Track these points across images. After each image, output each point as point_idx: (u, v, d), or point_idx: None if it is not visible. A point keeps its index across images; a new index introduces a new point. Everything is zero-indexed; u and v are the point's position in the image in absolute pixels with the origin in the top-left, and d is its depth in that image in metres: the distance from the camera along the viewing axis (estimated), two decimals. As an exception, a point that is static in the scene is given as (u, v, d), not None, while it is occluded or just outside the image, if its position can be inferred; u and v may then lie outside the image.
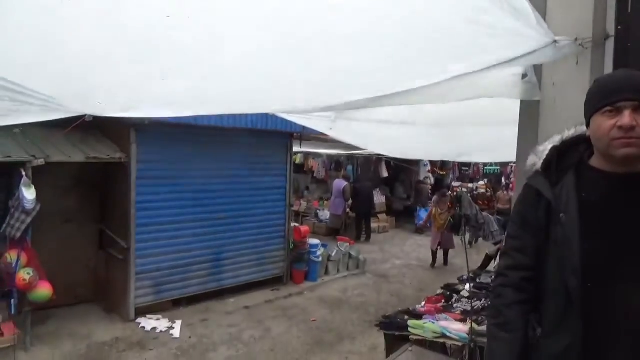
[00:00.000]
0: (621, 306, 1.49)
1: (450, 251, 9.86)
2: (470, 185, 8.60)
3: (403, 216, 13.55)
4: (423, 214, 11.71)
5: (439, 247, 9.65)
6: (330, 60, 3.00)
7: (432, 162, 13.30)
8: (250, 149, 7.13)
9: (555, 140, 1.77)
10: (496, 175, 11.72)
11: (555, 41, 2.78)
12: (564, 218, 1.53)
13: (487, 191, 8.71)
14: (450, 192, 8.94)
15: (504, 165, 12.15)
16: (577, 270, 1.49)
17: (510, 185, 11.34)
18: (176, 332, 5.79)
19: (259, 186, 7.34)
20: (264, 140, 7.24)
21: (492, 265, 7.23)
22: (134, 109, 3.26)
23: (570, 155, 1.69)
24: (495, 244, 7.13)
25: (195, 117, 5.90)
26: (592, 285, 1.49)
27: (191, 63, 2.76)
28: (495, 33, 2.74)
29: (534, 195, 1.65)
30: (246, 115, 6.44)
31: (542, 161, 1.71)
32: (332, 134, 4.88)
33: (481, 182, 9.37)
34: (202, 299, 6.80)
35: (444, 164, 13.68)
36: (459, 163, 14.03)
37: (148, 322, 5.89)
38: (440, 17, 2.46)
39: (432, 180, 13.51)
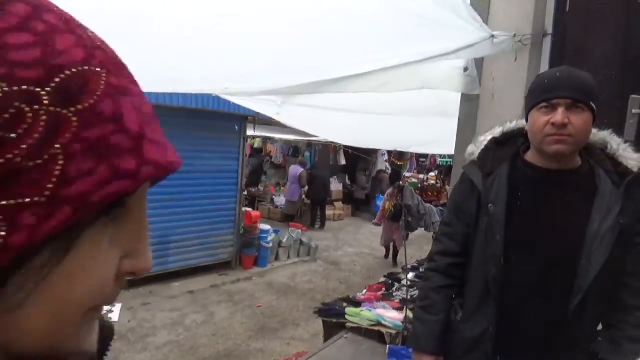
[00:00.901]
0: (534, 298, 1.54)
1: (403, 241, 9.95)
2: (420, 176, 8.67)
3: (363, 204, 13.65)
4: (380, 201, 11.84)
5: (392, 243, 9.24)
6: (270, 43, 2.94)
7: (390, 152, 13.43)
8: (200, 130, 6.93)
9: (496, 131, 1.79)
10: (447, 167, 11.93)
11: (492, 36, 2.82)
12: (492, 209, 1.56)
13: (436, 182, 8.79)
14: (399, 183, 9.01)
15: (457, 157, 12.45)
16: (497, 259, 1.53)
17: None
18: (114, 316, 5.54)
19: (208, 169, 7.17)
20: (215, 121, 7.06)
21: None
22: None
23: (508, 147, 1.70)
24: (425, 227, 7.30)
25: (148, 95, 5.70)
26: (509, 276, 1.54)
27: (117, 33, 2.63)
28: (434, 24, 2.75)
29: (468, 184, 1.68)
30: (196, 95, 6.26)
31: (479, 151, 1.73)
32: (280, 118, 4.81)
33: (431, 173, 9.48)
34: (145, 282, 6.62)
35: (401, 154, 13.84)
36: (416, 154, 14.22)
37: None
38: (381, 6, 2.44)
39: (390, 169, 13.65)
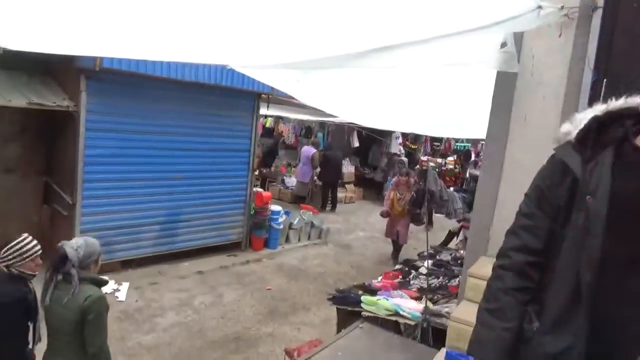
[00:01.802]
0: (630, 312, 1.30)
1: (413, 227, 9.54)
2: (439, 160, 8.38)
3: (378, 188, 13.37)
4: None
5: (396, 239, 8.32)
6: (292, 10, 2.69)
7: (404, 135, 13.11)
8: (213, 107, 6.71)
9: (599, 109, 1.46)
10: (466, 152, 11.65)
11: (539, 6, 2.54)
12: (591, 202, 1.30)
13: (455, 167, 8.49)
14: (418, 167, 8.62)
15: (475, 142, 12.08)
16: (594, 265, 1.28)
17: (479, 164, 11.30)
18: (122, 295, 5.51)
19: (221, 147, 6.97)
20: (228, 98, 6.83)
21: (455, 242, 7.17)
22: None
23: (614, 129, 1.40)
24: (459, 221, 7.05)
25: (154, 67, 5.49)
26: (607, 285, 1.28)
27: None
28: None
29: (559, 169, 1.43)
30: (209, 69, 6.01)
31: (577, 131, 1.44)
32: (297, 94, 4.57)
33: (450, 158, 9.18)
34: (154, 261, 6.51)
35: (416, 138, 13.53)
36: (430, 138, 13.90)
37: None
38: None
39: (403, 153, 13.35)
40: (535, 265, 1.45)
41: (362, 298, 3.91)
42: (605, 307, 1.28)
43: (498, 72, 3.13)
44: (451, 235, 7.88)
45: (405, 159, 9.12)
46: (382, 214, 8.43)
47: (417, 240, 9.45)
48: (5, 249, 2.60)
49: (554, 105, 2.93)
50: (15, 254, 2.61)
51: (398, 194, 7.97)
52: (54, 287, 2.58)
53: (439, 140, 14.23)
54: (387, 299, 3.86)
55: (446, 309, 3.62)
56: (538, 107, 2.98)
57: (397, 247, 8.37)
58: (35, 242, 2.70)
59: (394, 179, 8.47)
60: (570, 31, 2.86)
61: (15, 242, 2.64)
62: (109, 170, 5.79)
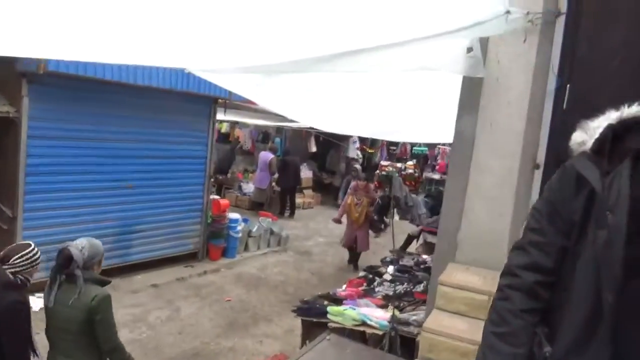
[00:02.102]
0: None
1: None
2: (398, 165, 8.44)
3: (336, 193, 13.31)
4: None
5: (354, 246, 8.00)
6: (254, 12, 2.56)
7: (362, 140, 13.16)
8: (167, 112, 6.42)
9: (612, 117, 1.35)
10: (424, 156, 11.83)
11: (508, 12, 2.53)
12: (611, 218, 1.20)
13: (415, 172, 8.60)
14: (377, 172, 8.58)
15: (432, 146, 12.30)
16: (616, 284, 1.18)
17: (437, 167, 11.48)
18: (69, 313, 5.13)
19: (175, 154, 6.69)
20: (184, 103, 6.56)
21: (415, 247, 7.19)
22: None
23: (629, 138, 1.29)
24: (411, 219, 7.07)
25: (104, 71, 5.17)
26: (629, 307, 1.19)
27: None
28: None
29: (573, 182, 1.33)
30: (164, 73, 5.74)
31: (592, 140, 1.33)
32: (257, 99, 4.43)
33: (410, 163, 9.29)
34: (104, 275, 6.11)
35: (373, 143, 13.61)
36: (387, 142, 14.03)
37: (36, 302, 5.15)
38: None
39: (361, 158, 13.40)
40: (546, 284, 1.37)
41: (328, 309, 3.79)
42: (626, 330, 1.20)
43: (464, 78, 3.11)
44: (410, 238, 7.90)
45: (358, 167, 9.09)
46: (334, 221, 8.32)
47: (375, 244, 9.48)
48: (17, 256, 2.60)
49: (519, 111, 2.93)
50: (25, 262, 2.62)
51: (355, 199, 7.69)
52: (57, 288, 2.62)
53: (395, 144, 14.40)
54: (354, 309, 3.77)
55: (414, 317, 3.56)
56: (504, 112, 2.98)
57: (354, 256, 8.15)
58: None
59: (352, 184, 8.24)
60: (534, 37, 2.88)
61: (26, 250, 2.65)
62: (53, 181, 5.40)
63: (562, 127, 2.85)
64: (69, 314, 2.57)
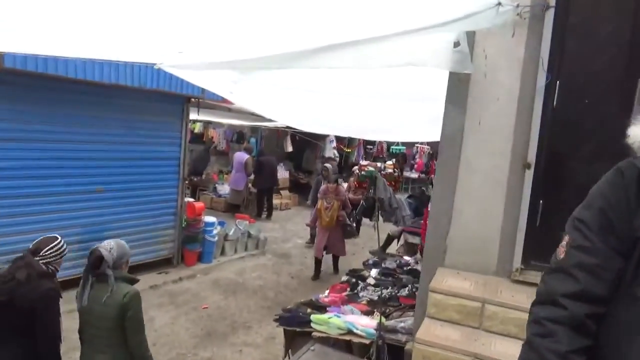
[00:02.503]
0: None
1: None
2: (378, 165, 8.30)
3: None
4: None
5: (324, 253, 7.50)
6: (234, 7, 2.38)
7: (339, 139, 13.01)
8: (137, 111, 6.13)
9: None
10: (402, 154, 11.74)
11: (499, 3, 2.40)
12: None
13: (394, 171, 8.47)
14: (357, 171, 8.40)
15: (409, 145, 12.26)
16: None
17: (415, 166, 11.44)
18: (34, 327, 4.81)
19: (146, 156, 6.38)
20: (154, 102, 6.27)
21: (395, 248, 7.08)
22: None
23: None
24: (396, 221, 6.95)
25: (67, 67, 4.87)
26: None
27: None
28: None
29: (634, 187, 1.11)
30: (132, 70, 5.46)
31: None
32: (233, 98, 4.22)
33: (389, 162, 9.16)
34: (72, 285, 5.78)
35: (350, 141, 13.50)
36: (364, 141, 13.93)
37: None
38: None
39: (337, 157, 13.25)
40: (597, 316, 1.15)
41: (312, 317, 3.62)
42: None
43: (450, 74, 2.98)
44: (390, 239, 7.79)
45: (328, 165, 8.79)
46: (308, 226, 8.09)
47: (354, 244, 9.34)
48: (47, 248, 2.87)
49: (508, 108, 2.82)
50: (55, 253, 2.91)
51: (325, 203, 7.19)
52: (90, 288, 2.80)
53: (372, 143, 14.33)
54: (339, 317, 3.60)
55: (401, 324, 3.42)
56: (492, 109, 2.86)
57: (335, 260, 7.75)
58: None
59: (322, 187, 7.67)
60: (523, 31, 2.77)
61: (54, 242, 2.92)
62: (15, 186, 5.05)
63: (552, 125, 2.76)
64: (102, 311, 2.73)
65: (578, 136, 2.72)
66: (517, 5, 2.59)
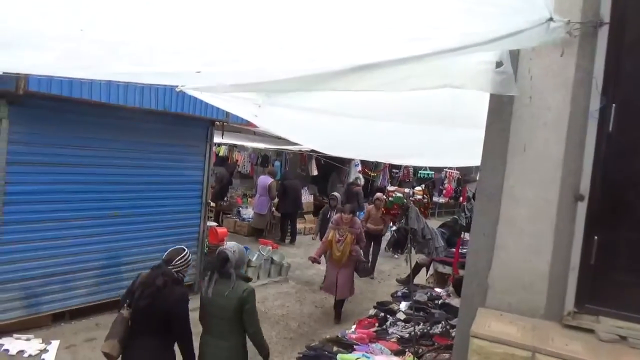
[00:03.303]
0: None
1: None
2: (406, 190, 8.01)
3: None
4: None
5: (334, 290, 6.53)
6: (256, 22, 2.21)
7: (364, 162, 12.80)
8: (161, 135, 6.07)
9: None
10: (432, 180, 11.42)
11: (550, 19, 2.17)
12: None
13: (423, 197, 8.16)
14: (385, 197, 8.12)
15: (438, 170, 11.93)
16: None
17: (444, 192, 11.09)
18: (50, 356, 4.67)
19: (169, 180, 6.30)
20: (178, 126, 6.21)
21: (425, 277, 6.75)
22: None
23: None
24: (429, 253, 6.62)
25: (91, 91, 4.83)
26: None
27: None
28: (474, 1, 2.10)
29: None
30: (157, 94, 5.40)
31: None
32: (257, 121, 4.08)
33: (418, 188, 8.85)
34: (91, 312, 5.67)
35: (376, 165, 13.26)
36: (389, 165, 13.68)
37: (13, 344, 4.70)
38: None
39: (362, 181, 13.01)
40: None
41: (338, 357, 3.37)
42: None
43: (491, 96, 2.74)
44: (418, 267, 7.46)
45: (337, 194, 8.55)
46: (311, 260, 6.90)
47: (380, 272, 9.00)
48: (178, 258, 3.35)
49: (557, 134, 2.56)
50: (183, 262, 3.39)
51: (337, 235, 6.38)
52: (214, 283, 3.33)
53: (398, 167, 14.06)
54: (368, 357, 3.33)
55: (437, 368, 3.12)
56: (539, 135, 2.61)
57: (338, 303, 6.66)
58: None
59: (335, 216, 6.94)
60: (572, 50, 2.53)
61: (183, 254, 3.42)
62: (35, 210, 5.00)
63: (608, 152, 2.49)
64: (224, 303, 3.27)
65: (637, 164, 2.44)
66: (568, 22, 2.35)
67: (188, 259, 3.44)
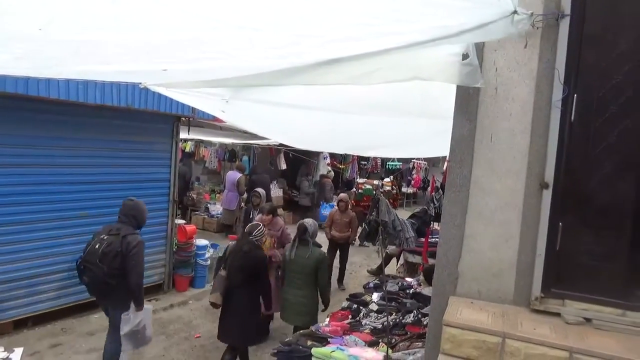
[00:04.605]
0: None
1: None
2: (375, 182, 8.00)
3: (307, 212, 12.81)
4: (327, 210, 11.09)
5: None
6: (222, 17, 2.16)
7: (333, 155, 12.81)
8: (124, 132, 5.89)
9: None
10: (400, 171, 11.52)
11: (515, 12, 2.21)
12: None
13: (392, 188, 8.18)
14: (355, 190, 8.08)
15: (406, 161, 12.05)
16: None
17: (412, 183, 11.22)
18: (14, 365, 4.48)
19: (136, 178, 6.13)
20: (143, 122, 6.04)
21: (395, 267, 6.83)
22: None
23: None
24: (399, 244, 6.68)
25: (48, 88, 4.63)
26: None
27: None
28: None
29: None
30: (119, 90, 5.23)
31: None
32: (225, 117, 4.01)
33: (387, 179, 8.87)
34: (56, 317, 5.49)
35: (344, 158, 13.30)
36: (358, 157, 13.75)
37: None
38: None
39: (333, 174, 13.03)
40: None
41: (313, 351, 3.36)
42: None
43: (458, 88, 2.78)
44: (389, 257, 7.54)
45: (260, 190, 7.35)
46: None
47: (351, 264, 9.01)
48: (255, 231, 4.49)
49: (522, 124, 2.63)
50: (259, 234, 4.51)
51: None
52: (296, 248, 4.67)
53: (366, 159, 14.14)
54: (342, 350, 3.34)
55: (410, 357, 3.17)
56: (505, 126, 2.67)
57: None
58: None
59: (257, 217, 5.82)
60: (536, 41, 2.59)
61: (258, 227, 4.56)
62: (-4, 213, 4.78)
63: (570, 141, 2.56)
64: (305, 263, 4.56)
65: (598, 152, 2.52)
66: (532, 14, 2.40)
67: (262, 232, 4.53)
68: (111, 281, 3.86)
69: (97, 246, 3.95)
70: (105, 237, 3.97)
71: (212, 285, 4.48)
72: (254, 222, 4.60)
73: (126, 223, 4.12)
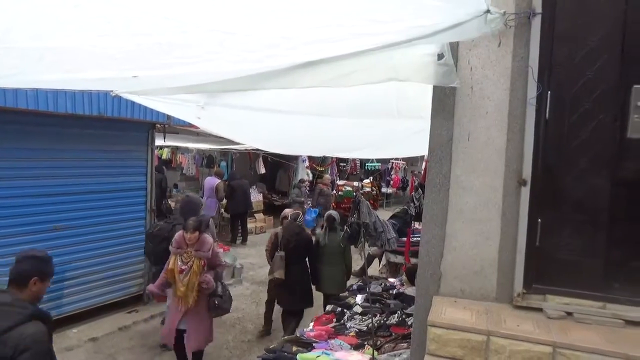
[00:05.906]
0: None
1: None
2: (355, 183, 8.01)
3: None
4: (310, 214, 11.05)
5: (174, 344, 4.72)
6: (193, 20, 2.12)
7: (311, 158, 12.79)
8: (98, 141, 5.75)
9: None
10: (379, 172, 11.55)
11: (488, 11, 2.22)
12: None
13: (372, 189, 8.20)
14: (335, 192, 8.08)
15: (384, 161, 12.11)
16: None
17: (392, 183, 11.28)
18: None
19: (111, 188, 5.99)
20: (116, 131, 5.91)
21: (378, 268, 6.84)
22: None
23: None
24: (381, 245, 6.69)
25: (16, 98, 4.48)
26: None
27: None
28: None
29: None
30: (90, 98, 5.10)
31: None
32: (200, 123, 3.94)
33: (366, 180, 8.89)
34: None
35: (323, 160, 13.30)
36: (337, 159, 13.76)
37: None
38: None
39: (310, 177, 13.00)
40: None
41: (298, 356, 3.33)
42: None
43: (434, 88, 2.79)
44: (371, 258, 7.55)
45: (192, 196, 6.83)
46: (151, 294, 4.78)
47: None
48: (299, 218, 5.90)
49: (498, 122, 2.65)
50: (301, 220, 6.03)
51: (180, 262, 4.37)
52: (328, 234, 5.92)
53: (345, 160, 14.17)
54: (328, 354, 3.32)
55: (396, 359, 3.15)
56: (481, 124, 2.68)
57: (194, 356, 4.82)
58: None
59: (175, 236, 4.61)
60: (509, 40, 2.61)
61: (301, 215, 6.09)
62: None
63: (546, 138, 2.59)
64: (336, 244, 5.75)
65: (573, 148, 2.56)
66: (504, 13, 2.42)
67: (302, 218, 6.01)
68: None
69: None
70: None
71: (271, 266, 5.61)
72: (296, 211, 6.17)
73: None
